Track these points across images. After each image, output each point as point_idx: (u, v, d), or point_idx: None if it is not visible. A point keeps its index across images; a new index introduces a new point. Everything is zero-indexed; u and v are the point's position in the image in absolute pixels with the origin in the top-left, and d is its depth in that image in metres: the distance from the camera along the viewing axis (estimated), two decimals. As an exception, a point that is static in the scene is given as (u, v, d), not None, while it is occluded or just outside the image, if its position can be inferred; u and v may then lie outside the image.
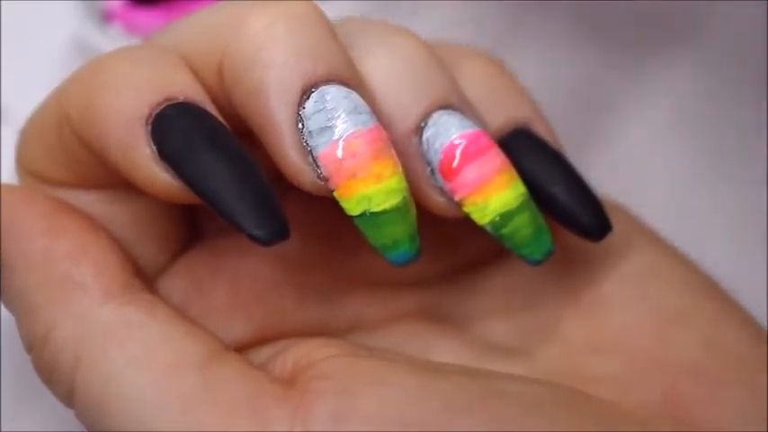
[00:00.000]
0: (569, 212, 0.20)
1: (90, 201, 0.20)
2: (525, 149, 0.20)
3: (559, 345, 0.21)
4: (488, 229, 0.19)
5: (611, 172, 0.25)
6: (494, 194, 0.19)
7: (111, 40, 0.30)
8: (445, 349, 0.21)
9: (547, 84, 0.22)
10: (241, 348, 0.21)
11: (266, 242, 0.17)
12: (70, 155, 0.20)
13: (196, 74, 0.19)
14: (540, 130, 0.21)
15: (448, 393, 0.18)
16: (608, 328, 0.21)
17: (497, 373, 0.19)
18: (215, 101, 0.19)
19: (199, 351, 0.18)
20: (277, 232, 0.17)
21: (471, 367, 0.20)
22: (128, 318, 0.18)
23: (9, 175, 0.29)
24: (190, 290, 0.21)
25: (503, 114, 0.21)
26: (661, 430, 0.19)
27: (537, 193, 0.20)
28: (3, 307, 0.26)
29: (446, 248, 0.22)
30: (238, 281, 0.21)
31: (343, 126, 0.18)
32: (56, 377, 0.19)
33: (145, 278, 0.20)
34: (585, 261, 0.22)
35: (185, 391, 0.18)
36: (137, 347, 0.18)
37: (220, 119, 0.18)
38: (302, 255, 0.21)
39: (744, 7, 0.33)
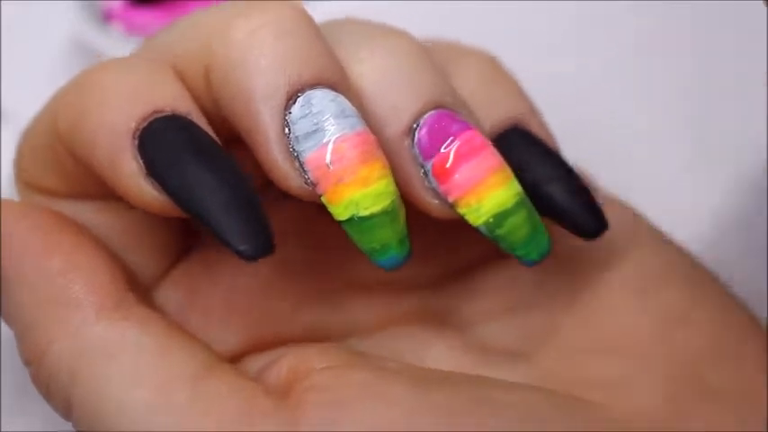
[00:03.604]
0: (564, 210, 0.20)
1: (84, 210, 0.20)
2: (520, 146, 0.20)
3: (558, 347, 0.21)
4: (483, 230, 0.19)
5: (607, 166, 0.24)
6: (487, 195, 0.19)
7: (111, 40, 0.30)
8: (443, 353, 0.21)
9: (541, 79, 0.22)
10: (238, 356, 0.21)
11: (251, 257, 0.17)
12: (62, 166, 0.20)
13: (185, 79, 0.19)
14: (534, 126, 0.21)
15: (440, 406, 0.18)
16: (607, 329, 0.21)
17: (490, 380, 0.19)
18: (204, 106, 0.19)
19: (191, 365, 0.18)
20: (262, 248, 0.17)
21: (464, 375, 0.20)
22: (121, 334, 0.18)
23: (9, 175, 0.29)
24: (186, 299, 0.21)
25: (497, 111, 0.20)
26: None
27: (531, 190, 0.20)
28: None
29: (443, 250, 0.22)
30: (234, 288, 0.21)
31: (330, 129, 0.18)
32: (53, 392, 0.19)
33: (141, 288, 0.20)
34: (585, 260, 0.21)
35: (177, 407, 0.18)
36: (130, 363, 0.18)
37: (209, 130, 0.18)
38: (299, 260, 0.21)
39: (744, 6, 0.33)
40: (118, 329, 0.19)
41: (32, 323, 0.19)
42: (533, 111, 0.21)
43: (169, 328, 0.19)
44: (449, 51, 0.21)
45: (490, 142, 0.19)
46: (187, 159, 0.17)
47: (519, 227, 0.19)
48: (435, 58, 0.20)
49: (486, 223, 0.19)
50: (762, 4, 0.33)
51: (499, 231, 0.19)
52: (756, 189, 0.29)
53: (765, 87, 0.31)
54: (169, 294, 0.21)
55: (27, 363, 0.19)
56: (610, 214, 0.21)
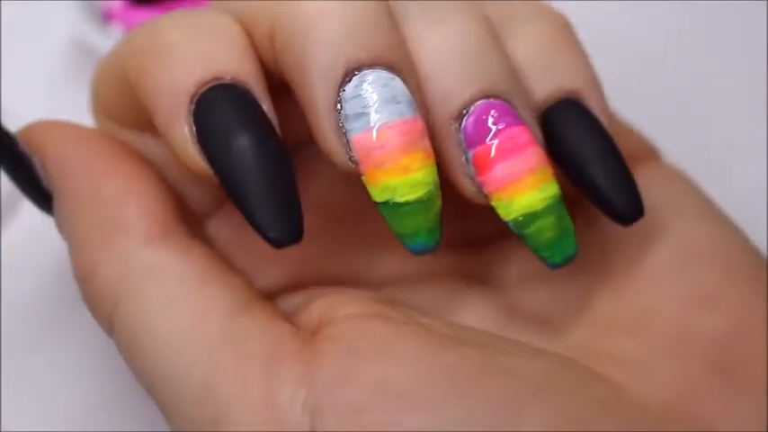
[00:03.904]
0: (601, 194, 0.20)
1: (148, 143, 0.21)
2: (568, 123, 0.20)
3: (585, 319, 0.21)
4: (511, 226, 0.19)
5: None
6: (519, 195, 0.19)
7: (110, 40, 0.30)
8: (475, 311, 0.22)
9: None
10: (278, 293, 0.21)
11: (279, 245, 0.18)
12: (129, 103, 0.20)
13: (251, 34, 0.19)
14: (590, 101, 0.20)
15: (452, 367, 0.18)
16: (638, 306, 0.21)
17: (510, 345, 0.19)
18: (267, 61, 0.19)
19: (228, 300, 0.19)
20: (290, 236, 0.18)
21: (486, 336, 0.20)
22: (164, 261, 0.19)
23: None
24: (235, 232, 0.21)
25: (554, 82, 0.20)
26: (666, 421, 0.19)
27: (571, 168, 0.20)
28: (2, 302, 0.26)
29: (489, 211, 0.22)
30: None
31: (376, 115, 0.18)
32: (98, 309, 0.20)
33: (193, 219, 0.21)
34: (627, 234, 0.21)
35: (208, 340, 0.18)
36: (170, 291, 0.19)
37: (266, 101, 0.19)
38: (347, 206, 0.22)
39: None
40: (162, 257, 0.19)
41: (84, 242, 0.20)
42: (593, 85, 0.21)
43: (212, 261, 0.20)
44: (515, 14, 0.21)
45: (535, 140, 0.19)
46: (232, 136, 0.18)
47: (546, 230, 0.19)
48: (502, 14, 0.20)
49: (515, 221, 0.19)
50: (762, 4, 0.33)
51: (526, 231, 0.19)
52: (756, 190, 0.29)
53: (765, 87, 0.31)
54: (220, 227, 0.21)
55: (76, 279, 0.20)
56: (658, 183, 0.21)
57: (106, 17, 0.31)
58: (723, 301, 0.20)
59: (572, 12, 0.22)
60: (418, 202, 0.18)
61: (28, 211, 0.28)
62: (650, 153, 0.23)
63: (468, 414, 0.17)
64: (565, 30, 0.21)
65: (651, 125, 0.25)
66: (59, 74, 0.31)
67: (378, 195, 0.18)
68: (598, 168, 0.20)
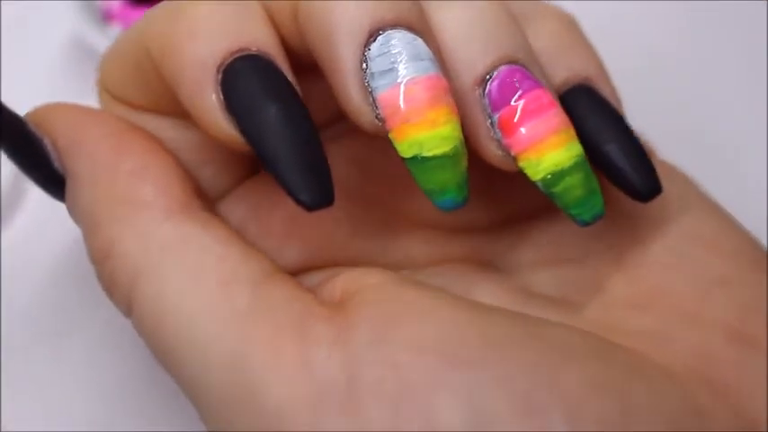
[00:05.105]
0: (620, 172, 0.20)
1: (161, 125, 0.21)
2: (584, 106, 0.21)
3: (599, 299, 0.21)
4: (540, 185, 0.19)
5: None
6: (547, 153, 0.19)
7: (110, 40, 0.30)
8: (488, 295, 0.22)
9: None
10: (291, 274, 0.21)
11: (310, 208, 0.18)
12: (147, 83, 0.20)
13: (272, 14, 0.19)
14: (601, 88, 0.21)
15: (487, 329, 0.18)
16: (648, 285, 0.21)
17: (535, 317, 0.20)
18: (288, 39, 0.19)
19: (252, 270, 0.19)
20: (321, 199, 0.18)
21: (511, 310, 0.20)
22: (185, 234, 0.19)
23: (9, 174, 0.29)
24: (248, 214, 0.21)
25: (566, 70, 0.21)
26: (689, 384, 0.19)
27: (590, 150, 0.20)
28: (2, 302, 0.26)
29: (500, 198, 0.22)
30: (295, 209, 0.21)
31: (403, 71, 0.18)
32: (116, 290, 0.19)
33: (206, 200, 0.21)
34: (635, 219, 0.22)
35: (235, 309, 0.18)
36: (192, 263, 0.19)
37: (289, 73, 0.19)
38: (362, 189, 0.22)
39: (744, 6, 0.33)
40: (183, 230, 0.19)
41: (100, 222, 0.19)
42: (603, 73, 0.21)
43: (232, 235, 0.20)
44: (527, 8, 0.21)
45: (557, 102, 0.20)
46: (263, 103, 0.18)
47: (574, 187, 0.19)
48: (514, 11, 0.21)
49: (544, 179, 0.19)
50: (762, 4, 0.33)
51: (555, 189, 0.19)
52: (756, 190, 0.29)
53: (765, 87, 0.31)
54: (232, 209, 0.22)
55: (93, 261, 0.20)
56: (663, 178, 0.21)
57: (106, 17, 0.31)
58: (734, 284, 0.21)
59: (574, 12, 0.22)
60: (445, 156, 0.18)
61: (28, 212, 0.28)
62: (648, 151, 0.23)
63: (507, 373, 0.17)
64: (572, 26, 0.21)
65: (651, 124, 0.25)
66: (59, 74, 0.31)
67: (405, 151, 0.18)
68: (616, 147, 0.20)
